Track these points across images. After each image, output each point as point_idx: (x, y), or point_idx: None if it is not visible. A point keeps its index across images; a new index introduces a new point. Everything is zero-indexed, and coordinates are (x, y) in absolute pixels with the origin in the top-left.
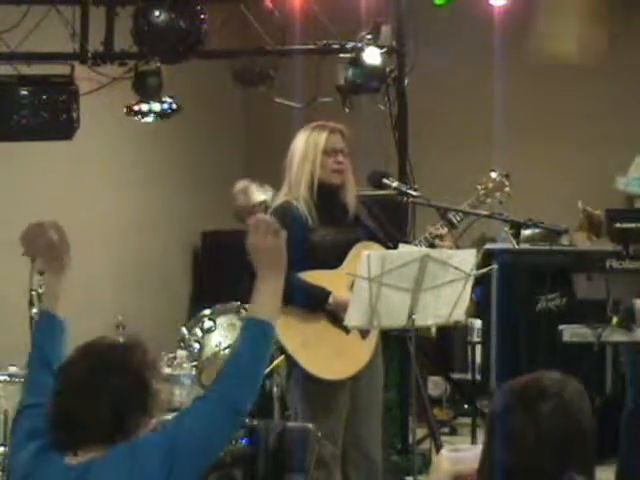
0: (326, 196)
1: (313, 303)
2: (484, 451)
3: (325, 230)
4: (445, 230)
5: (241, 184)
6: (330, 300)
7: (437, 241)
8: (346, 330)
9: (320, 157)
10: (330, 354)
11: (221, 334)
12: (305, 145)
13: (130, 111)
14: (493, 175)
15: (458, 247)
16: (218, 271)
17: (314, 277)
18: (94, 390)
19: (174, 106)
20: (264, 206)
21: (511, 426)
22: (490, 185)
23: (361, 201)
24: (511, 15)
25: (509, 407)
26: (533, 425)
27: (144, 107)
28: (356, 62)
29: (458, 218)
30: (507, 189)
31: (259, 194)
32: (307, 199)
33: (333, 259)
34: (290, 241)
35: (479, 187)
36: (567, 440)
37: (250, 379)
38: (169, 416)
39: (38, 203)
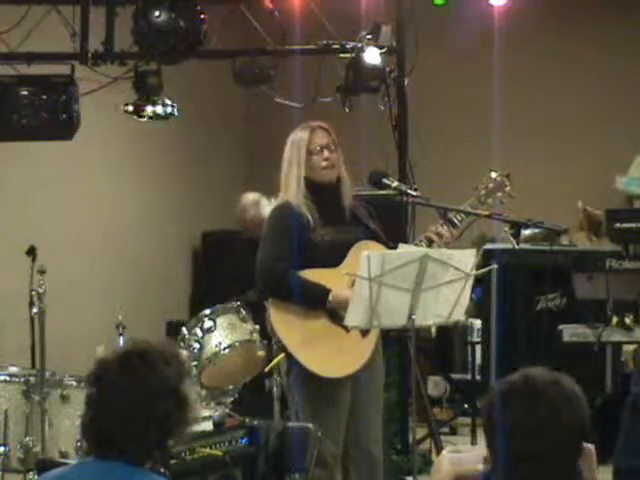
0: (321, 195)
1: (313, 301)
2: (492, 456)
3: (325, 230)
4: (445, 230)
5: (252, 196)
6: (330, 298)
7: (436, 238)
8: (346, 328)
9: (305, 158)
10: (330, 352)
11: (221, 334)
12: (290, 150)
13: (130, 111)
14: (493, 175)
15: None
16: (218, 271)
17: (314, 275)
18: (140, 416)
19: (174, 106)
20: None
21: (527, 424)
22: (490, 185)
23: (363, 205)
24: (511, 15)
25: (514, 414)
26: (547, 423)
27: (144, 107)
28: (356, 62)
29: (459, 218)
30: (508, 189)
31: (269, 209)
32: (303, 200)
33: (333, 259)
34: (291, 240)
35: (480, 187)
36: (579, 426)
37: None
38: None
39: (38, 203)
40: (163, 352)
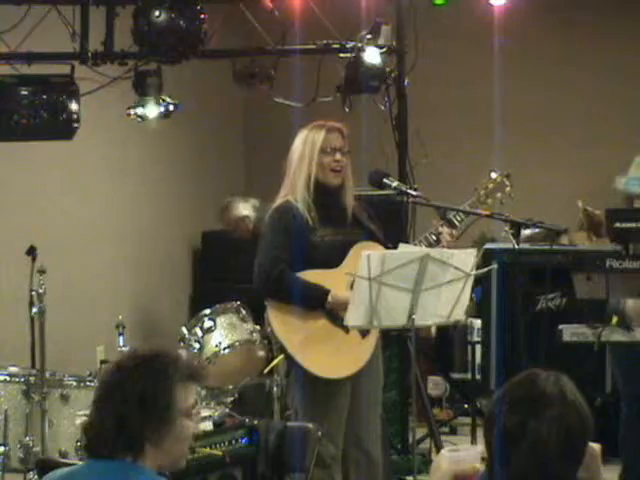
0: (324, 196)
1: (312, 302)
2: (491, 461)
3: (324, 230)
4: (445, 229)
5: (224, 203)
6: (329, 299)
7: (434, 237)
8: (346, 329)
9: (317, 156)
10: (329, 353)
11: (221, 334)
12: (303, 145)
13: (130, 111)
14: (493, 175)
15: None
16: (218, 271)
17: (313, 276)
18: (111, 418)
19: (174, 106)
20: (248, 221)
21: (531, 439)
22: (490, 185)
23: (361, 203)
24: (511, 15)
25: (521, 422)
26: (555, 432)
27: (144, 107)
28: (356, 62)
29: (459, 218)
30: (508, 189)
31: (242, 209)
32: (306, 199)
33: (332, 259)
34: (290, 241)
35: (479, 188)
36: (582, 435)
37: None
38: None
39: (38, 203)
40: (151, 352)
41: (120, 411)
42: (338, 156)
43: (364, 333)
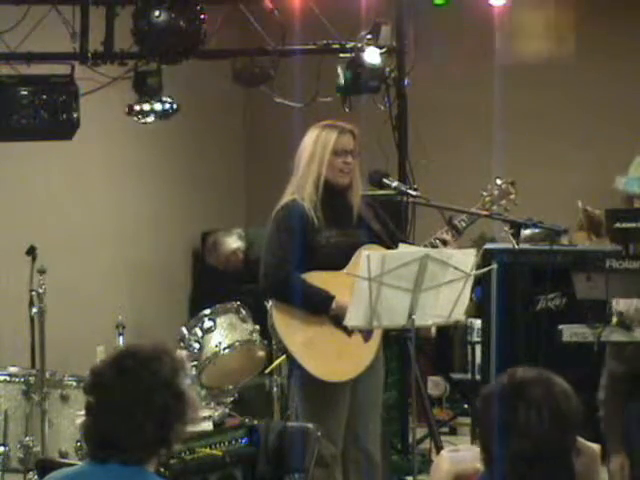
0: (332, 196)
1: (316, 307)
2: (486, 457)
3: (330, 231)
4: (450, 236)
5: (209, 242)
6: (333, 305)
7: (440, 245)
8: (348, 332)
9: (328, 157)
10: (331, 356)
11: (221, 334)
12: (314, 145)
13: (130, 111)
14: (499, 182)
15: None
16: (218, 271)
17: (319, 278)
18: (138, 413)
19: (174, 106)
20: (238, 253)
21: (523, 420)
22: (495, 192)
23: (368, 202)
24: (511, 15)
25: (511, 407)
26: (546, 408)
27: (144, 107)
28: (356, 62)
29: (464, 224)
30: (512, 196)
31: (230, 243)
32: (313, 198)
33: (337, 261)
34: (295, 240)
35: (484, 194)
36: (567, 422)
37: None
38: None
39: (38, 203)
40: (154, 349)
41: (153, 404)
42: (349, 159)
43: (366, 337)
